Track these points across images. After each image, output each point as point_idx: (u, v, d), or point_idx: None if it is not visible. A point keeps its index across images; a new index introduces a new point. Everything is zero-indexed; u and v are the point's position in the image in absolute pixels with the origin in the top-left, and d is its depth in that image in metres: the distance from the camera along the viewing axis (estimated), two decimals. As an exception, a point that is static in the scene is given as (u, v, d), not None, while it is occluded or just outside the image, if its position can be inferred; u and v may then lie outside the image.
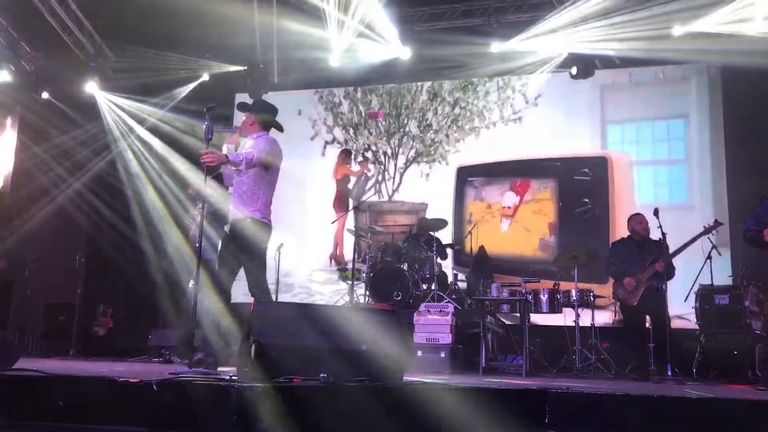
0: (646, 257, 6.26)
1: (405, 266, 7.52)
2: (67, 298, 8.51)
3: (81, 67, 9.40)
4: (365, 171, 9.49)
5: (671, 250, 6.11)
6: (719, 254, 6.83)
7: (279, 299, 7.64)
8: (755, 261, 5.86)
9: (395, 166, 9.45)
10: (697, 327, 6.78)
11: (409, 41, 8.76)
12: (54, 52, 9.24)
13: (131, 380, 3.32)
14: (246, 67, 9.28)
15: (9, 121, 9.67)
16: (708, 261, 6.59)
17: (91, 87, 9.48)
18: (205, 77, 9.50)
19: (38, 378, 3.36)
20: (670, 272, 6.18)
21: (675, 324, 6.54)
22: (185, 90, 9.50)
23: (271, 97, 9.54)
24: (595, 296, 7.02)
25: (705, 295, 6.69)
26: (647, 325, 6.29)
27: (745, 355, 6.00)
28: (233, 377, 3.69)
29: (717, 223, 6.27)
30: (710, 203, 8.13)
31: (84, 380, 3.39)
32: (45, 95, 9.45)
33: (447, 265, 8.02)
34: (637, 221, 6.52)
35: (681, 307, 6.72)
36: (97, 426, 3.03)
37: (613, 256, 6.60)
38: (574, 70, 8.56)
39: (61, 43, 9.03)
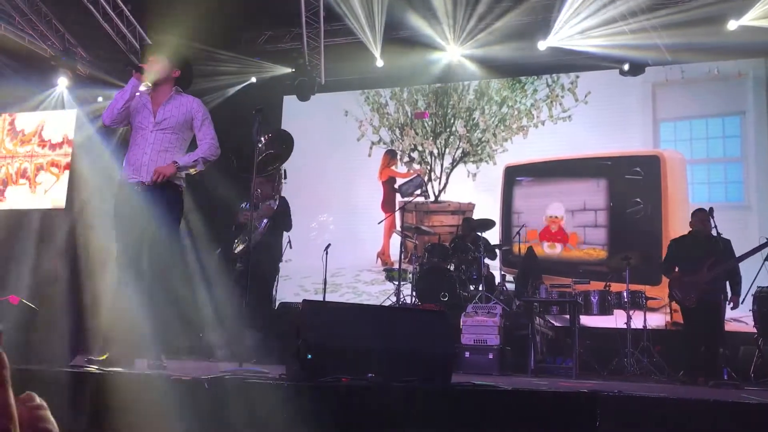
0: (704, 257, 6.01)
1: (452, 267, 7.49)
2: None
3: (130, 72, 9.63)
4: (416, 173, 9.48)
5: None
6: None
7: (326, 299, 7.70)
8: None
9: (442, 166, 9.42)
10: (755, 330, 6.57)
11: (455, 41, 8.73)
12: (106, 56, 9.49)
13: (183, 378, 3.39)
14: (293, 69, 9.38)
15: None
16: (766, 262, 6.39)
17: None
18: (253, 80, 9.63)
19: (96, 374, 3.46)
20: (733, 276, 5.97)
21: (731, 327, 6.36)
22: (232, 90, 9.64)
23: (318, 98, 9.67)
24: (646, 298, 6.87)
25: (763, 298, 6.47)
26: (702, 327, 6.10)
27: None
28: (282, 375, 3.74)
29: None
30: (768, 202, 7.88)
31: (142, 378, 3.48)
32: (100, 99, 9.74)
33: (495, 266, 7.96)
34: (698, 218, 6.23)
35: (738, 309, 6.50)
36: (146, 423, 3.10)
37: (670, 253, 6.39)
38: (626, 67, 8.40)
39: (113, 47, 9.26)
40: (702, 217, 6.13)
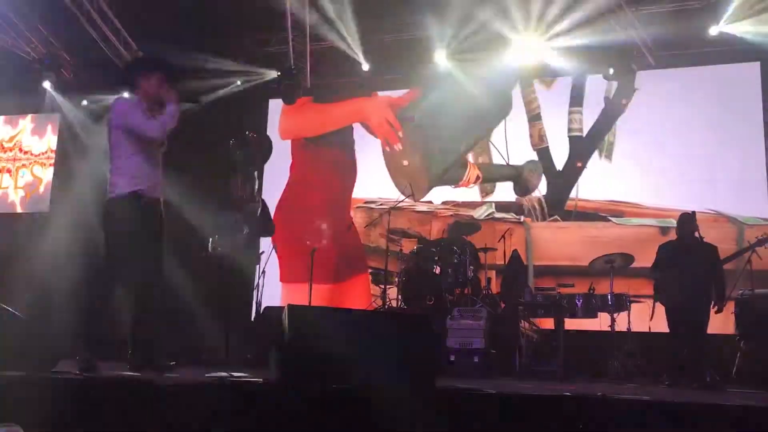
0: (692, 262, 6.02)
1: (438, 270, 7.50)
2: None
3: (118, 74, 9.57)
4: None
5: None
6: (760, 258, 6.71)
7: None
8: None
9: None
10: (736, 333, 6.63)
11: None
12: (91, 59, 9.43)
13: (167, 383, 3.38)
14: (279, 73, 9.36)
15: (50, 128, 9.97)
16: (748, 265, 6.48)
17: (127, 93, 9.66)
18: (238, 83, 9.60)
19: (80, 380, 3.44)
20: (719, 280, 6.04)
21: (712, 329, 6.41)
22: (217, 94, 9.60)
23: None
24: (631, 300, 6.93)
25: (745, 301, 6.53)
26: (686, 330, 6.14)
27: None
28: (266, 380, 3.73)
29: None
30: None
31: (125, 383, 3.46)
32: (84, 103, 9.69)
33: (480, 270, 7.97)
34: (685, 223, 6.23)
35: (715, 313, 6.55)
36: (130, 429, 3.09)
37: (658, 257, 6.39)
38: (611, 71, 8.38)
39: (98, 50, 9.20)
40: (689, 222, 6.17)
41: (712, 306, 6.00)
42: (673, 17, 7.92)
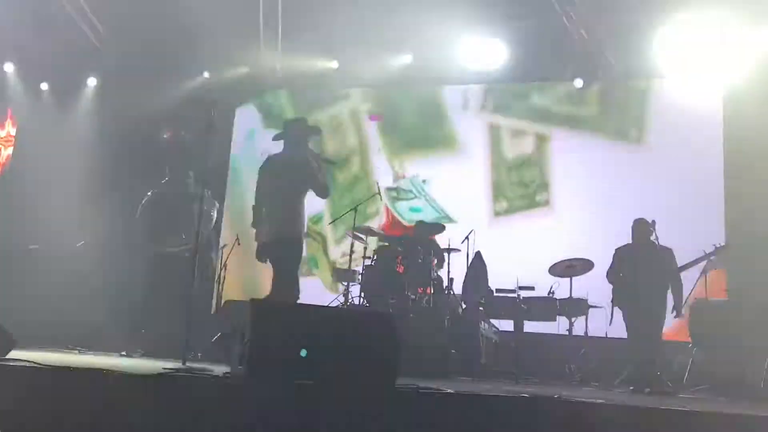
0: (647, 266, 6.14)
1: (401, 270, 7.51)
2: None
3: (83, 60, 9.39)
4: None
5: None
6: (714, 267, 6.88)
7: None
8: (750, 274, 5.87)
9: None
10: (689, 340, 6.78)
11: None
12: (57, 45, 9.23)
13: (124, 374, 3.33)
14: (249, 68, 9.29)
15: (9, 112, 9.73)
16: (703, 275, 6.64)
17: (92, 81, 9.49)
18: (206, 75, 9.47)
19: (33, 369, 3.37)
20: (675, 285, 6.16)
21: (666, 336, 6.56)
22: (186, 87, 9.47)
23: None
24: (588, 305, 7.05)
25: (698, 308, 6.69)
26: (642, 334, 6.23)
27: (737, 369, 6.07)
28: (226, 374, 3.71)
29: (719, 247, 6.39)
30: None
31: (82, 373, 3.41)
32: (44, 86, 9.49)
33: (443, 270, 8.01)
34: (640, 228, 6.38)
35: (674, 319, 6.70)
36: (91, 419, 3.04)
37: (614, 262, 6.50)
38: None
39: (64, 35, 9.02)
40: (644, 228, 6.33)
41: (671, 311, 6.11)
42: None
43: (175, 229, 7.07)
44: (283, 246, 5.61)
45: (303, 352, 3.43)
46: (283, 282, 5.56)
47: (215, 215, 7.51)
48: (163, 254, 7.09)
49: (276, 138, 6.09)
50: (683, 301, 6.20)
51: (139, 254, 7.35)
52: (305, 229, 5.96)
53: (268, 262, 5.73)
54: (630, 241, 6.50)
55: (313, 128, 6.34)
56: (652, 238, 6.24)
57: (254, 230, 5.86)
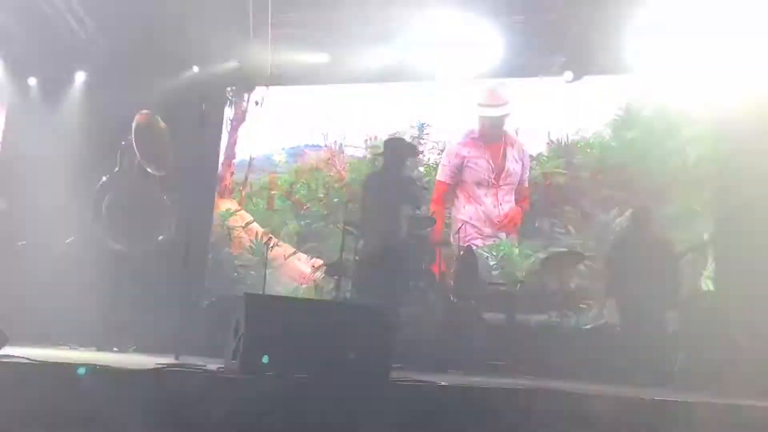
0: (651, 257, 6.03)
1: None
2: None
3: (71, 55, 9.30)
4: None
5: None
6: (707, 258, 6.93)
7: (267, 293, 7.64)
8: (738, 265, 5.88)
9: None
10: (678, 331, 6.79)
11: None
12: (44, 37, 9.14)
13: (118, 369, 3.32)
14: (239, 60, 9.24)
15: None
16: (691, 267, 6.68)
17: (81, 76, 9.41)
18: (195, 69, 9.41)
19: (26, 365, 3.35)
20: (675, 278, 6.11)
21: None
22: (175, 79, 9.40)
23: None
24: (580, 297, 7.09)
25: (686, 300, 6.71)
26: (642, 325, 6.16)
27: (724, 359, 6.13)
28: (220, 369, 3.71)
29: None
30: None
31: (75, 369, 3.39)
32: (32, 82, 9.39)
33: (435, 264, 8.02)
34: (641, 215, 6.32)
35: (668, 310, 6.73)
36: (84, 415, 3.03)
37: (614, 253, 6.42)
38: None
39: (52, 30, 8.93)
40: (643, 216, 6.21)
41: (667, 302, 6.04)
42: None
43: (152, 224, 6.87)
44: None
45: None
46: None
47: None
48: (145, 249, 6.98)
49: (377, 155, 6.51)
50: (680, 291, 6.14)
51: (125, 249, 7.25)
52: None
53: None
54: (628, 230, 6.41)
55: (410, 147, 6.71)
56: (651, 227, 6.15)
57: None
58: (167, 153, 6.45)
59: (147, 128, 6.23)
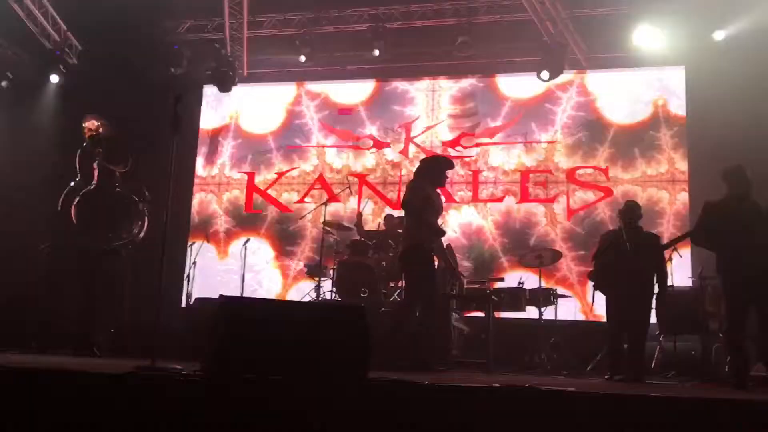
0: (638, 252, 5.85)
1: (372, 263, 7.52)
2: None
3: (45, 57, 9.18)
4: None
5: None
6: (680, 256, 7.00)
7: (245, 295, 7.61)
8: (713, 262, 5.88)
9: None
10: (656, 327, 6.86)
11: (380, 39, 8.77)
12: (18, 40, 9.03)
13: (92, 372, 3.29)
14: (215, 60, 9.20)
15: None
16: (669, 261, 6.75)
17: (54, 78, 9.28)
18: (172, 69, 9.34)
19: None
20: (661, 271, 5.95)
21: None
22: (151, 78, 9.31)
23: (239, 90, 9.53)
24: (557, 295, 7.14)
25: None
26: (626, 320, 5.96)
27: (703, 355, 6.20)
28: (197, 372, 3.67)
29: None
30: None
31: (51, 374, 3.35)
32: (4, 84, 9.26)
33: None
34: (631, 208, 6.12)
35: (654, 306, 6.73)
36: (63, 419, 2.99)
37: (602, 246, 6.18)
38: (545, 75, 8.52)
39: (26, 31, 8.82)
40: (634, 209, 6.11)
41: (655, 297, 5.90)
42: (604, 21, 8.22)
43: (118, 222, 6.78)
44: None
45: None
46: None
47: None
48: (118, 250, 6.89)
49: None
50: (667, 286, 6.07)
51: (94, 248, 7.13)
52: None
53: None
54: (616, 225, 6.32)
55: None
56: (639, 222, 6.08)
57: None
58: (124, 149, 6.46)
59: (95, 130, 6.28)
